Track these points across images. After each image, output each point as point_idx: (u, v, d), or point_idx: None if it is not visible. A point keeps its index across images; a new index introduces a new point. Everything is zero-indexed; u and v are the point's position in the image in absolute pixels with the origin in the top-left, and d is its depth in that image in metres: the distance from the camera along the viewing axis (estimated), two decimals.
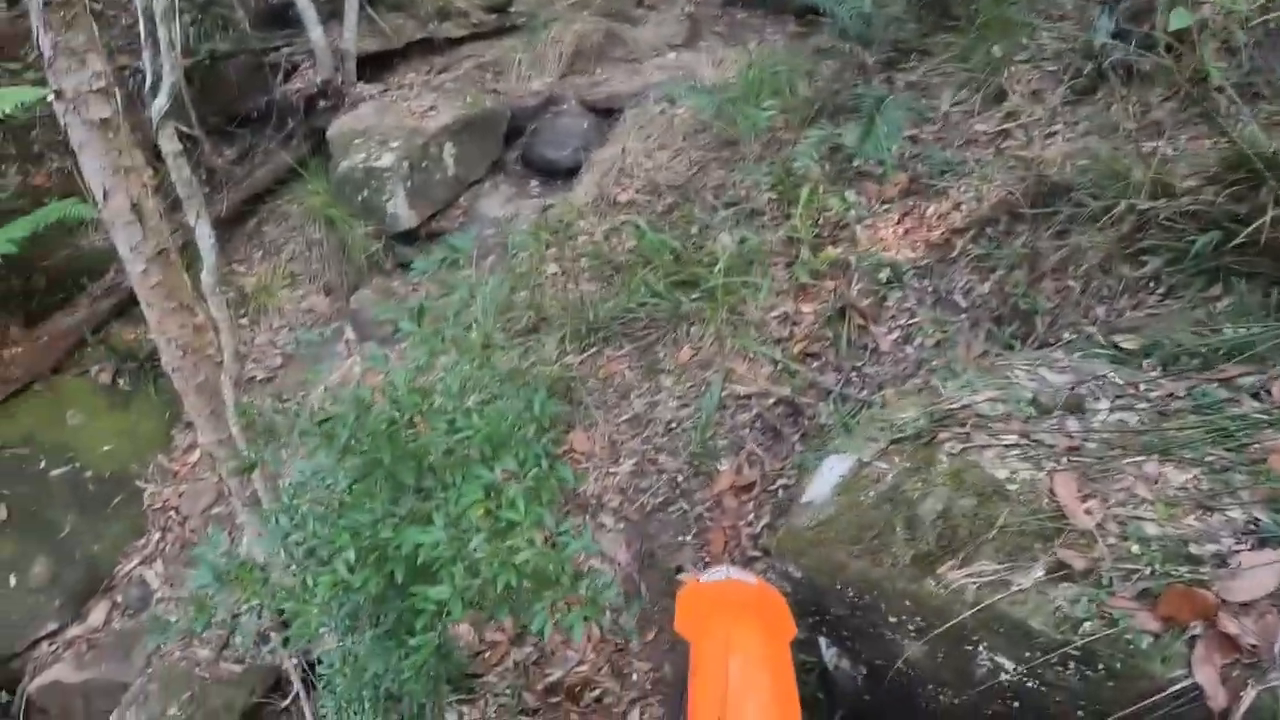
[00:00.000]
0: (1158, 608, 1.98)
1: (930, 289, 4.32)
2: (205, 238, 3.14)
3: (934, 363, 4.02)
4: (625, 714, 3.72)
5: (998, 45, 5.37)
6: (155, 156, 6.70)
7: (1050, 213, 4.06)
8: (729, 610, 2.37)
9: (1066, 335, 3.64)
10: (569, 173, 7.04)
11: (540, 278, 5.67)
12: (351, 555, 2.55)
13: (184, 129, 2.99)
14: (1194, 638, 1.93)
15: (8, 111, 5.54)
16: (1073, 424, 2.48)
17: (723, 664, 2.09)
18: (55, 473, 5.72)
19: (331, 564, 2.64)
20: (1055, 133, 4.66)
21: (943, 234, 4.48)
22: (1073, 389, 2.58)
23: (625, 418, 4.67)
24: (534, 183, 7.37)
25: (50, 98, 3.01)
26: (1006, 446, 2.45)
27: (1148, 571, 2.05)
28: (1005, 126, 4.92)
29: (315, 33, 7.22)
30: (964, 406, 2.66)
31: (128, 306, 6.50)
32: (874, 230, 4.64)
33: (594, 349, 5.04)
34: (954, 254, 4.36)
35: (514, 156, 7.56)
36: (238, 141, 7.91)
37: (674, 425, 4.52)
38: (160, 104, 2.92)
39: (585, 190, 6.24)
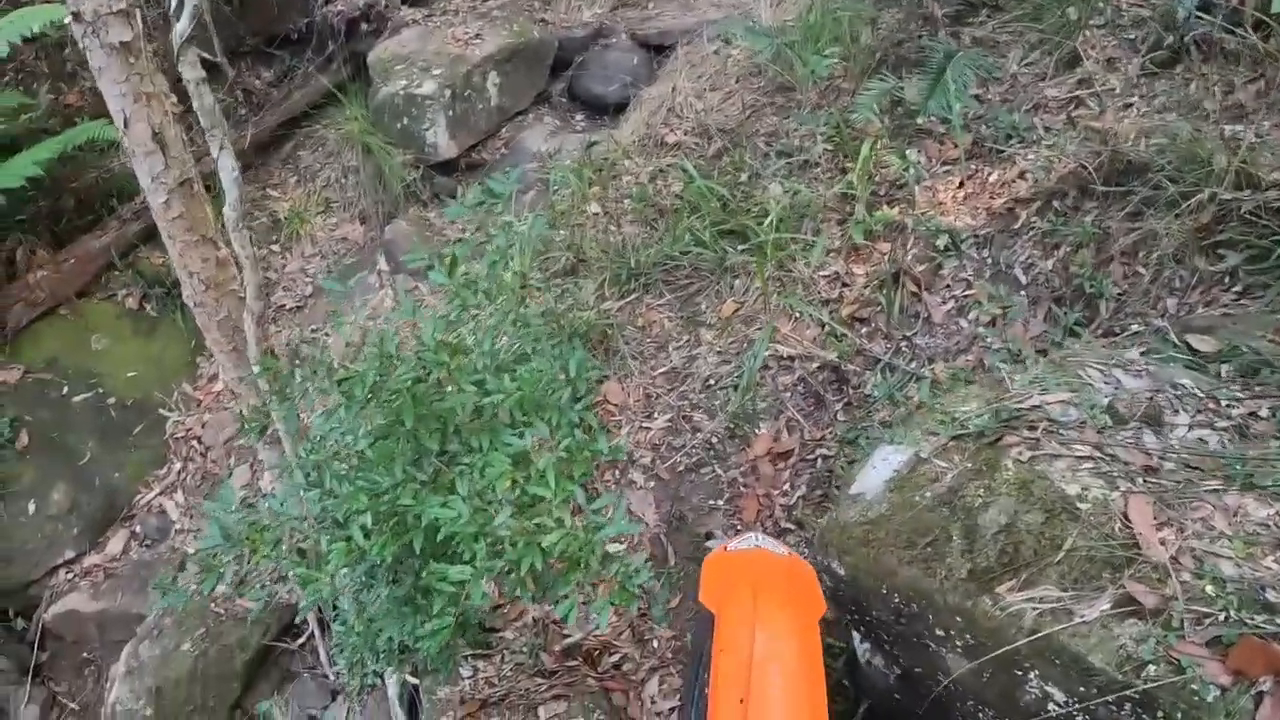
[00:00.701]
0: (1229, 659, 1.79)
1: (989, 260, 4.08)
2: (228, 170, 2.96)
3: (989, 339, 3.80)
4: (644, 682, 3.60)
5: (1073, 7, 5.06)
6: (180, 82, 6.56)
7: (1123, 192, 3.79)
8: (756, 582, 2.23)
9: (1134, 325, 3.41)
10: (616, 108, 6.80)
11: (581, 217, 5.47)
12: (369, 520, 2.41)
13: (207, 57, 2.78)
14: (1262, 694, 1.74)
15: (37, 30, 5.37)
16: (1150, 439, 2.27)
17: (748, 639, 1.99)
18: (78, 398, 5.64)
19: (347, 527, 2.50)
20: (1130, 105, 4.37)
21: (1005, 203, 4.22)
22: (1151, 399, 2.36)
23: (662, 370, 4.49)
24: (579, 117, 7.13)
25: (68, 19, 2.84)
26: (1079, 459, 2.24)
27: (1221, 617, 1.86)
28: (1077, 94, 4.63)
29: None
30: (1034, 407, 2.45)
31: (157, 230, 6.36)
32: (933, 193, 4.39)
33: (633, 295, 4.85)
34: (1016, 225, 4.11)
35: (560, 89, 7.31)
36: (276, 63, 7.71)
37: (712, 382, 4.33)
38: (181, 28, 2.73)
39: (632, 129, 6.00)
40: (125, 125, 3.15)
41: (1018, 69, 5.03)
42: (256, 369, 3.79)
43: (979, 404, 2.57)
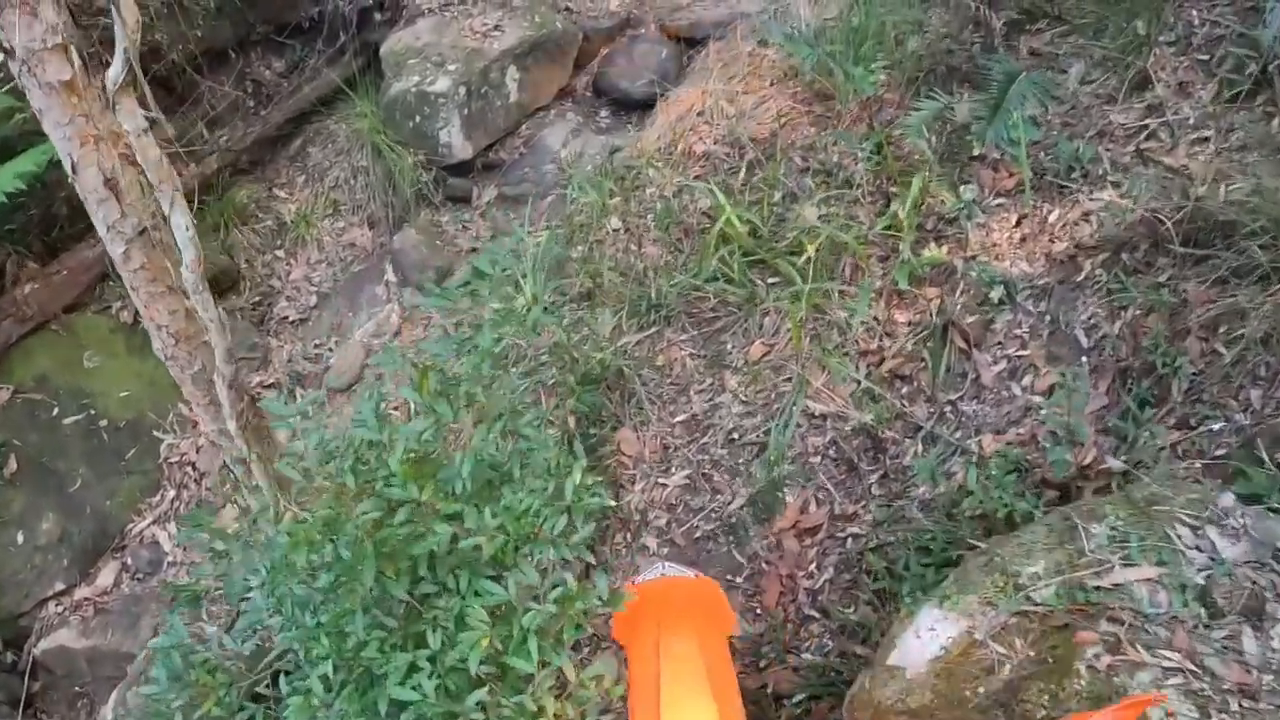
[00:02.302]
0: None
1: (1047, 316, 3.65)
2: (182, 229, 2.61)
3: (1044, 413, 3.38)
4: None
5: (1141, 20, 4.58)
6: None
7: (1205, 255, 3.35)
8: (658, 613, 2.23)
9: (1212, 420, 2.98)
10: (642, 106, 6.39)
11: (600, 233, 5.08)
12: (330, 670, 2.06)
13: (147, 115, 2.43)
14: None
15: None
16: (1250, 644, 1.86)
17: (654, 669, 1.98)
18: (69, 420, 5.34)
19: (308, 668, 2.15)
20: (1205, 139, 3.93)
21: (1067, 249, 3.79)
22: (1253, 585, 1.95)
23: (681, 418, 4.11)
24: (603, 113, 6.71)
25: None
26: (1166, 670, 1.84)
27: None
28: (1146, 122, 4.17)
29: None
30: (1115, 587, 2.03)
31: None
32: (986, 231, 3.96)
33: (653, 329, 4.47)
34: (1079, 277, 3.68)
35: (584, 82, 6.89)
36: (288, 53, 7.33)
37: (736, 436, 3.95)
38: (115, 73, 2.36)
39: (658, 134, 5.58)
40: (74, 170, 2.80)
41: (1078, 88, 4.58)
42: (232, 424, 3.47)
43: (1046, 564, 2.16)
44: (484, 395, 2.45)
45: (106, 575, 5.13)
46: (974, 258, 3.90)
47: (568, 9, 7.01)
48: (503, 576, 2.13)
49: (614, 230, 4.99)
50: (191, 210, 6.16)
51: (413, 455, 2.23)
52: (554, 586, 2.07)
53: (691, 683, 1.96)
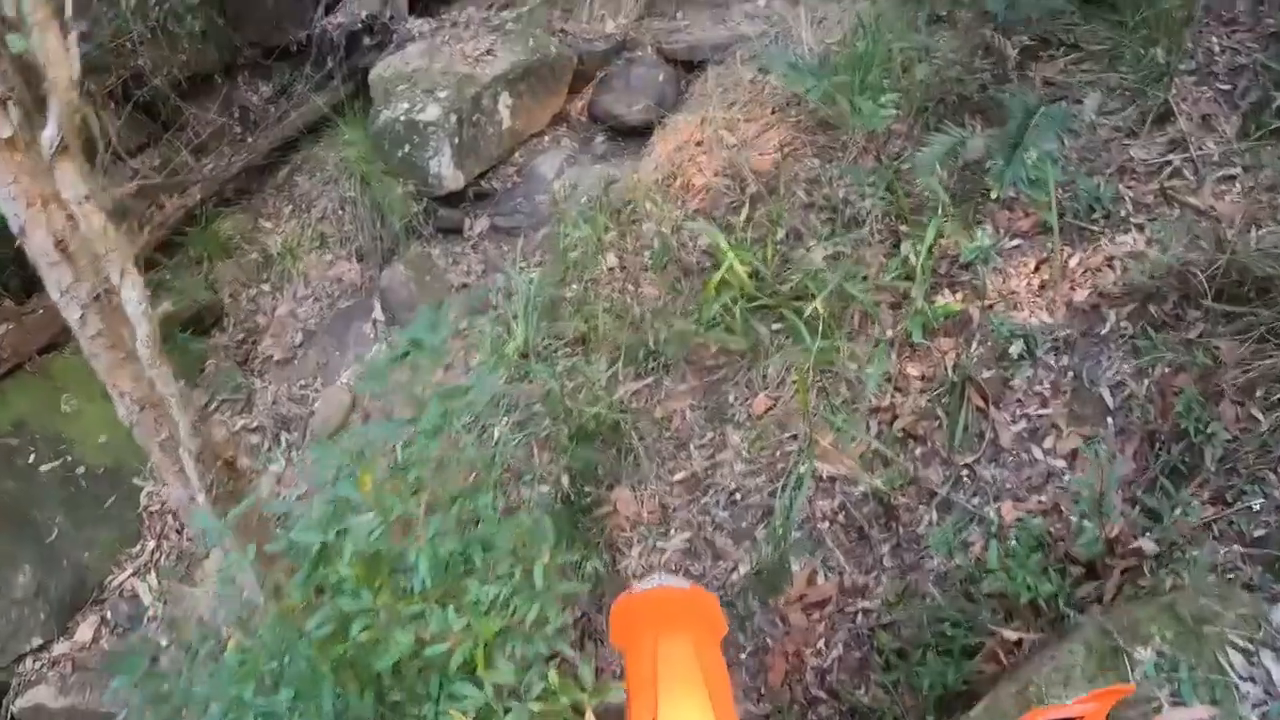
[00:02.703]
0: None
1: (1069, 372, 3.42)
2: (133, 303, 2.39)
3: (1066, 479, 3.15)
4: None
5: (1160, 47, 4.36)
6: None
7: (1239, 311, 3.12)
8: (655, 618, 2.33)
9: (1250, 496, 2.75)
10: (639, 131, 6.16)
11: (595, 270, 4.86)
12: None
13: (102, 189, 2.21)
14: None
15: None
16: None
17: (651, 671, 2.03)
18: (45, 467, 5.12)
19: None
20: (1232, 177, 3.71)
21: (1089, 297, 3.56)
22: None
23: (681, 476, 3.89)
24: (599, 139, 6.49)
25: None
26: None
27: None
28: (1169, 158, 3.95)
29: None
30: None
31: None
32: (1003, 277, 3.73)
33: (651, 378, 4.24)
34: (1103, 330, 3.45)
35: (579, 107, 6.67)
36: (275, 77, 7.12)
37: (739, 497, 3.72)
38: (49, 134, 2.14)
39: (655, 165, 5.36)
40: (22, 233, 2.58)
41: (1096, 119, 4.36)
42: (201, 496, 3.25)
43: (1085, 685, 1.93)
44: (435, 478, 2.22)
45: (85, 630, 4.91)
46: (991, 307, 3.67)
47: (563, 31, 6.79)
48: (478, 675, 1.92)
49: (609, 269, 4.77)
50: (175, 245, 5.98)
51: (363, 556, 2.00)
52: (531, 687, 1.87)
53: (687, 683, 2.01)
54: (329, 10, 6.76)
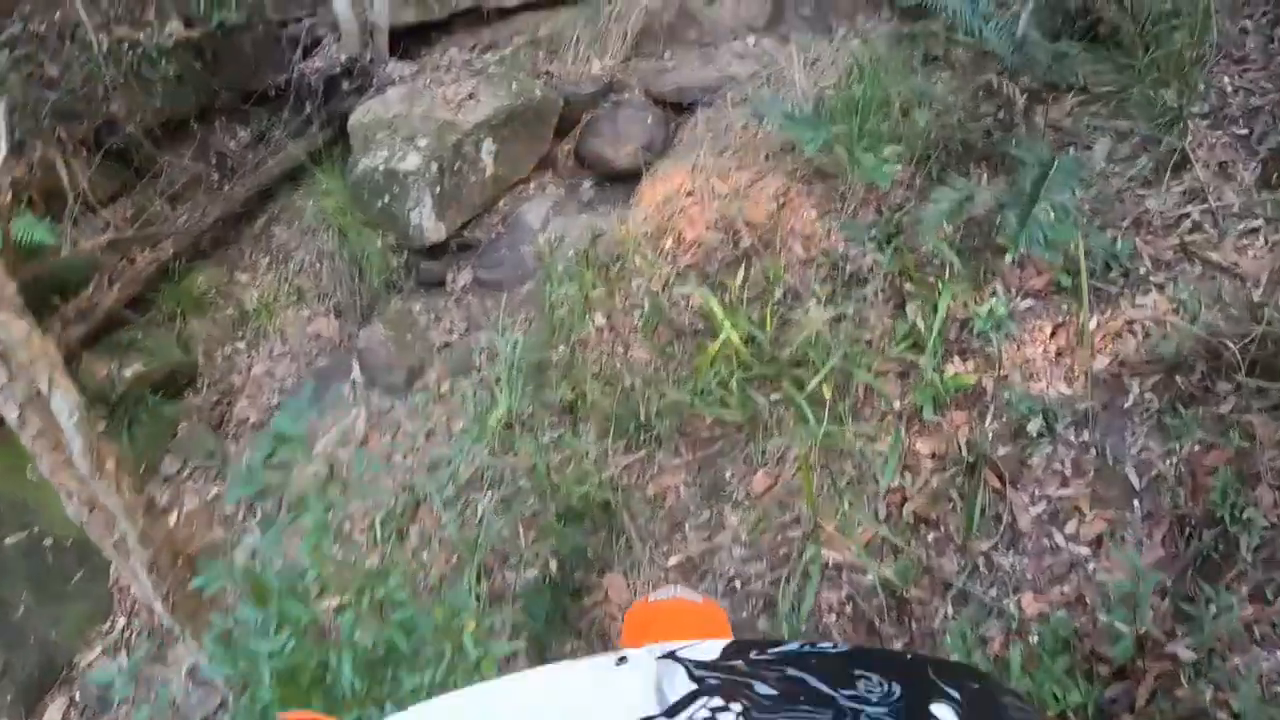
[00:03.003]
0: None
1: (1091, 449, 3.19)
2: (65, 415, 2.15)
3: (1091, 567, 2.91)
4: None
5: (1171, 90, 4.15)
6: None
7: (1275, 387, 2.89)
8: (667, 626, 1.97)
9: None
10: (627, 176, 5.94)
11: (583, 331, 4.62)
12: None
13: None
14: None
15: None
16: None
17: None
18: (11, 540, 4.87)
19: None
20: (1254, 230, 3.49)
21: (1110, 365, 3.33)
22: None
23: (675, 560, 3.64)
24: (587, 184, 6.27)
25: None
26: None
27: None
28: (1187, 210, 3.73)
29: (340, 4, 6.13)
30: None
31: (104, 331, 5.58)
32: (1018, 344, 3.50)
33: (642, 451, 3.99)
34: (1126, 403, 3.22)
35: (565, 151, 6.45)
36: (253, 122, 6.89)
37: (738, 584, 3.47)
38: None
39: (644, 216, 5.13)
40: None
41: (1107, 167, 4.15)
42: (159, 606, 3.01)
43: None
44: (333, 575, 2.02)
45: (54, 712, 4.64)
46: (1005, 377, 3.44)
47: (547, 73, 6.58)
48: None
49: (598, 329, 4.54)
50: (146, 300, 5.72)
51: (282, 677, 1.77)
52: None
53: None
54: (307, 54, 6.54)
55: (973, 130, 4.30)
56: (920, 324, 3.64)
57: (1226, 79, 4.35)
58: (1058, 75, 4.36)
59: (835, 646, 1.09)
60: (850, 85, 5.08)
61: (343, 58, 6.37)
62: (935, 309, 3.76)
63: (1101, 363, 3.41)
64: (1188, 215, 3.78)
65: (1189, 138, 4.00)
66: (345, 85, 6.45)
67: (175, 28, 6.30)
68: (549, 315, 4.72)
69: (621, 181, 6.04)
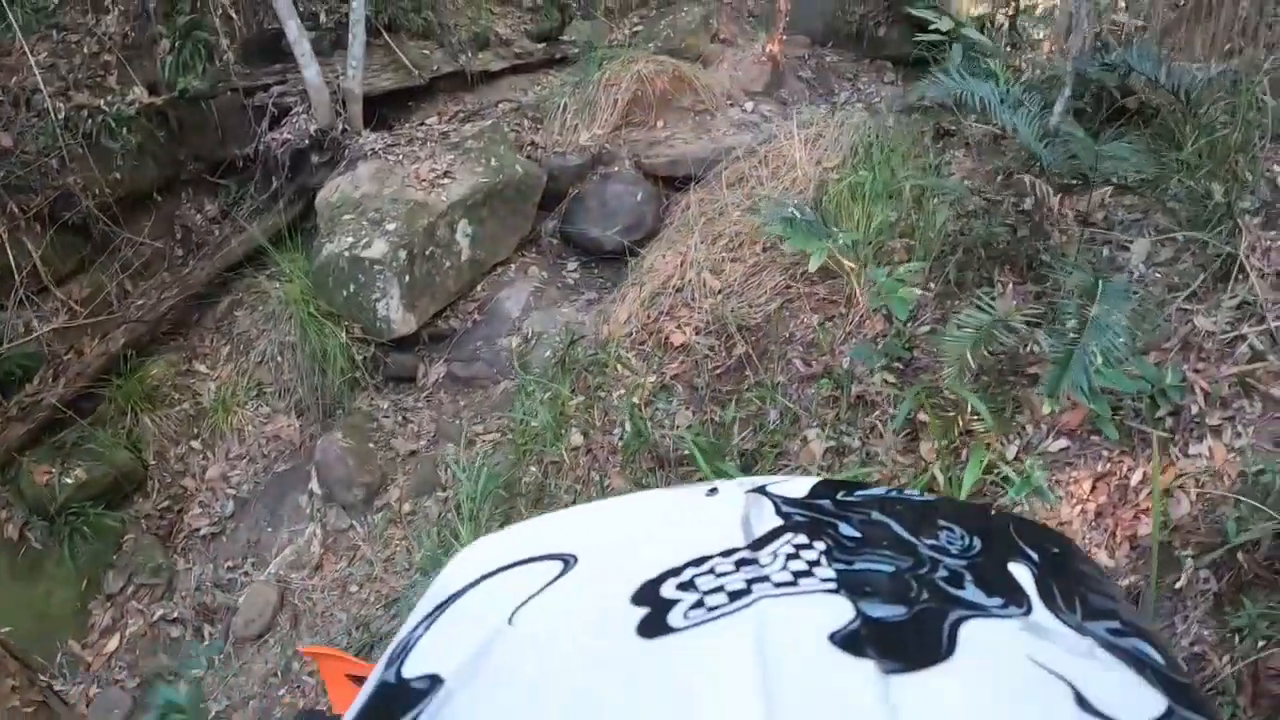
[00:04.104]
0: None
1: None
2: None
3: None
4: None
5: (1218, 182, 3.67)
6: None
7: None
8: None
9: None
10: (614, 256, 5.51)
11: (557, 450, 4.14)
12: None
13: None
14: None
15: None
16: None
17: None
18: None
19: None
20: None
21: (1159, 531, 2.82)
22: None
23: None
24: (571, 265, 5.83)
25: None
26: None
27: None
28: (1242, 331, 3.23)
29: (309, 72, 5.70)
30: None
31: (46, 431, 5.12)
32: (1051, 506, 3.00)
33: None
34: (1178, 580, 2.71)
35: (550, 227, 6.03)
36: (220, 195, 6.46)
37: None
38: None
39: (629, 312, 4.67)
40: None
41: (1146, 271, 3.66)
42: None
43: None
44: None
45: None
46: None
47: (532, 143, 6.15)
48: None
49: (573, 450, 4.06)
50: (94, 393, 5.23)
51: None
52: None
53: None
54: (276, 124, 6.11)
55: (997, 229, 3.81)
56: (937, 470, 3.14)
57: (1277, 167, 3.87)
58: (1087, 164, 3.89)
59: (923, 495, 1.21)
60: (856, 167, 4.63)
61: (312, 128, 5.94)
62: (950, 447, 3.27)
63: (1148, 526, 2.91)
64: (1244, 337, 3.28)
65: (1240, 239, 3.51)
66: (315, 158, 6.03)
67: (138, 95, 5.88)
68: (521, 430, 4.24)
69: (608, 262, 5.62)
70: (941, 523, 1.03)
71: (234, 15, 6.21)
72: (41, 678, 4.58)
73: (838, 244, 3.62)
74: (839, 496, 1.08)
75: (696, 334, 4.27)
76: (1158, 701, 0.78)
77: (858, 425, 3.57)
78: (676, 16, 7.18)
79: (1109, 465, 3.04)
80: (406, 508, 4.43)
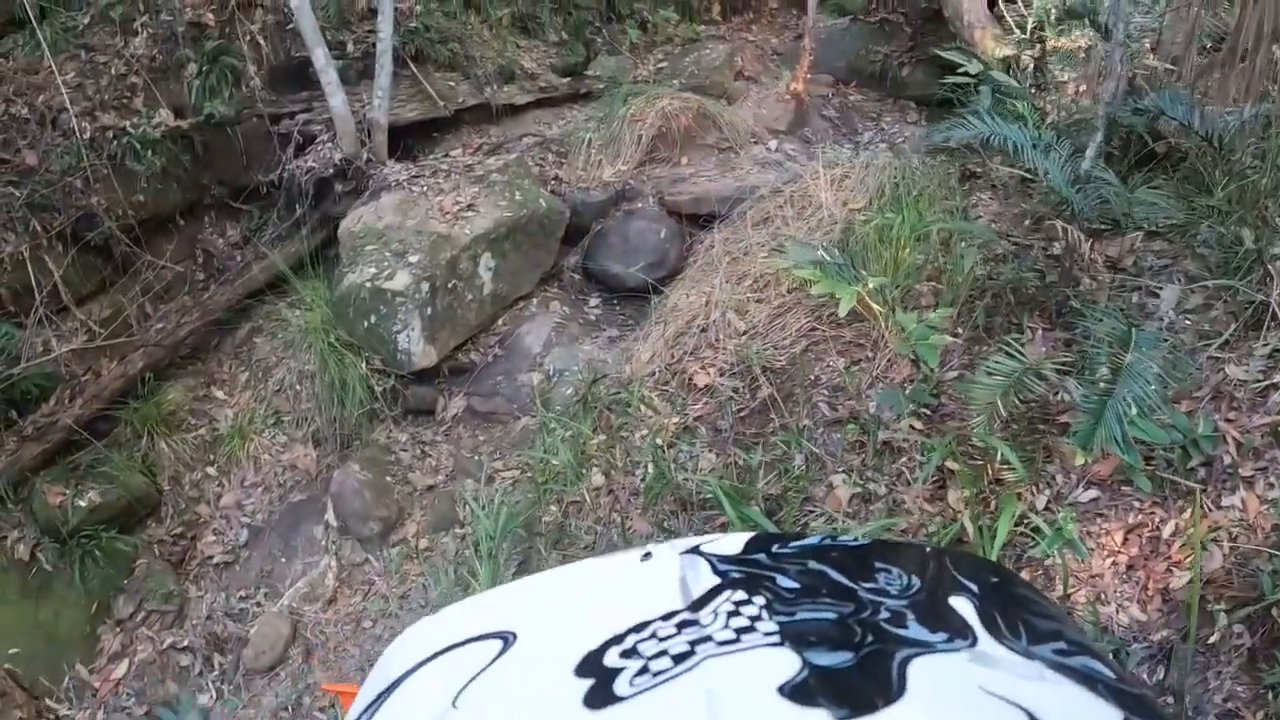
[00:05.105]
0: None
1: (1169, 693, 2.63)
2: None
3: None
4: None
5: (1247, 229, 3.64)
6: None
7: None
8: None
9: None
10: (637, 294, 5.48)
11: (577, 490, 4.10)
12: None
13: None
14: None
15: None
16: None
17: None
18: None
19: None
20: None
21: (1192, 585, 2.77)
22: None
23: None
24: (594, 302, 5.81)
25: None
26: None
27: None
28: (1276, 380, 3.19)
29: (335, 100, 5.73)
30: None
31: (61, 452, 5.10)
32: (1082, 559, 2.95)
33: None
34: (1212, 635, 2.67)
35: (573, 262, 6.00)
36: (243, 220, 6.47)
37: None
38: None
39: (652, 351, 4.64)
40: None
41: (1176, 318, 3.63)
42: None
43: None
44: None
45: None
46: (1069, 596, 2.88)
47: (556, 178, 6.15)
48: None
49: (594, 490, 4.02)
50: (111, 416, 5.20)
51: None
52: None
53: None
54: (300, 151, 6.12)
55: (1026, 274, 3.79)
56: (967, 520, 3.09)
57: None
58: (1119, 210, 3.87)
59: (856, 540, 1.28)
60: (882, 209, 4.61)
61: (337, 157, 5.95)
62: (979, 496, 3.23)
63: (1180, 579, 2.86)
64: (1276, 386, 3.24)
65: (1272, 286, 3.47)
66: (339, 187, 6.04)
67: (164, 117, 5.90)
68: (541, 468, 4.20)
69: (631, 299, 5.59)
70: (878, 565, 1.05)
71: (262, 42, 6.23)
72: (49, 703, 4.56)
73: (868, 288, 3.58)
74: (774, 550, 1.10)
75: (721, 375, 4.25)
76: (1112, 714, 0.79)
77: (884, 472, 3.53)
78: (701, 53, 7.20)
79: (1140, 516, 3.00)
80: (423, 543, 4.39)
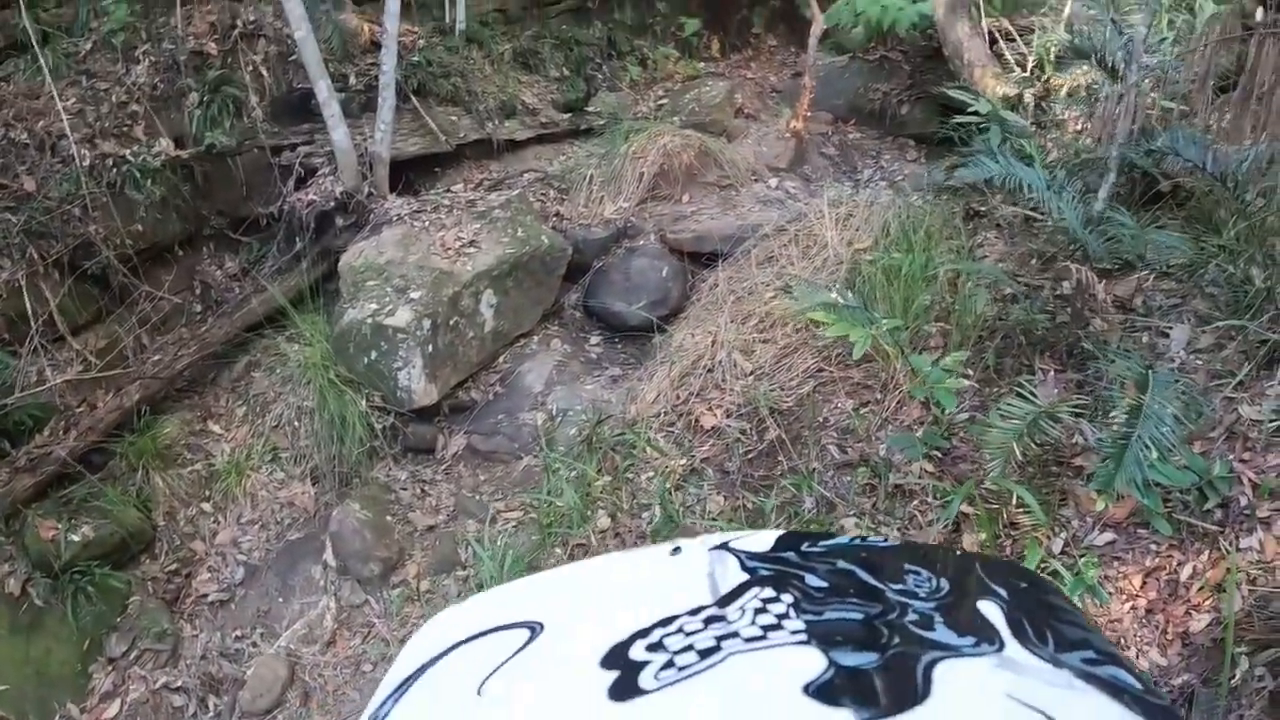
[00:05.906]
0: None
1: None
2: None
3: None
4: None
5: (1256, 268, 3.64)
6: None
7: None
8: None
9: None
10: (639, 332, 5.45)
11: (583, 533, 4.05)
12: None
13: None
14: None
15: None
16: None
17: None
18: None
19: None
20: None
21: (1210, 628, 2.75)
22: None
23: None
24: (594, 339, 5.77)
25: None
26: None
27: None
28: None
29: (337, 133, 5.71)
30: None
31: (54, 485, 5.02)
32: (1101, 603, 2.92)
33: None
34: (1234, 677, 2.63)
35: (573, 299, 5.97)
36: (243, 252, 6.42)
37: None
38: None
39: (657, 390, 4.60)
40: None
41: (1187, 357, 3.62)
42: None
43: None
44: None
45: None
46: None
47: (557, 214, 6.14)
48: None
49: (599, 533, 3.96)
50: (105, 449, 5.13)
51: None
52: None
53: None
54: (301, 184, 6.09)
55: (1036, 315, 3.77)
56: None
57: None
58: (1132, 251, 3.86)
59: (886, 541, 1.27)
60: (888, 249, 4.60)
61: (338, 190, 5.93)
62: (995, 540, 3.19)
63: (1199, 623, 2.83)
64: None
65: None
66: (339, 220, 6.01)
67: (164, 146, 5.87)
68: (545, 510, 4.15)
69: (633, 338, 5.55)
70: (908, 567, 1.05)
71: (264, 73, 6.21)
72: None
73: (881, 330, 3.56)
74: (803, 548, 1.08)
75: (728, 416, 4.21)
76: None
77: (896, 515, 3.49)
78: (701, 91, 7.22)
79: (1158, 560, 2.97)
80: (424, 585, 4.32)
